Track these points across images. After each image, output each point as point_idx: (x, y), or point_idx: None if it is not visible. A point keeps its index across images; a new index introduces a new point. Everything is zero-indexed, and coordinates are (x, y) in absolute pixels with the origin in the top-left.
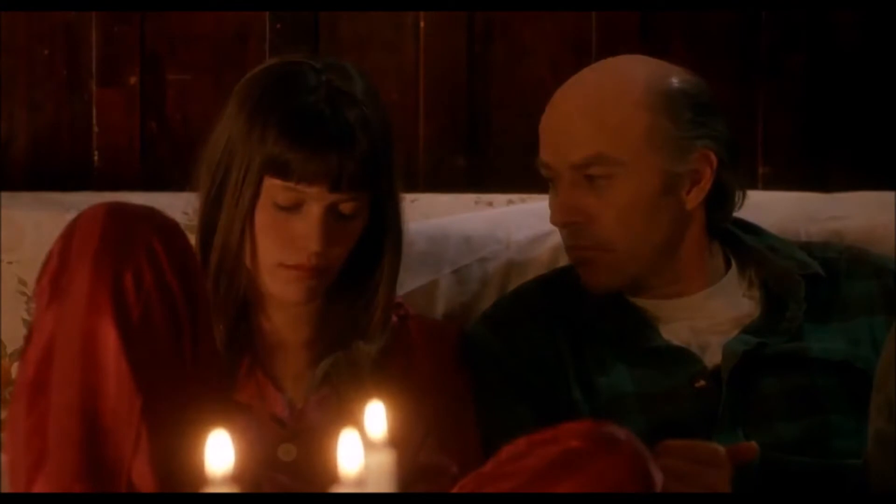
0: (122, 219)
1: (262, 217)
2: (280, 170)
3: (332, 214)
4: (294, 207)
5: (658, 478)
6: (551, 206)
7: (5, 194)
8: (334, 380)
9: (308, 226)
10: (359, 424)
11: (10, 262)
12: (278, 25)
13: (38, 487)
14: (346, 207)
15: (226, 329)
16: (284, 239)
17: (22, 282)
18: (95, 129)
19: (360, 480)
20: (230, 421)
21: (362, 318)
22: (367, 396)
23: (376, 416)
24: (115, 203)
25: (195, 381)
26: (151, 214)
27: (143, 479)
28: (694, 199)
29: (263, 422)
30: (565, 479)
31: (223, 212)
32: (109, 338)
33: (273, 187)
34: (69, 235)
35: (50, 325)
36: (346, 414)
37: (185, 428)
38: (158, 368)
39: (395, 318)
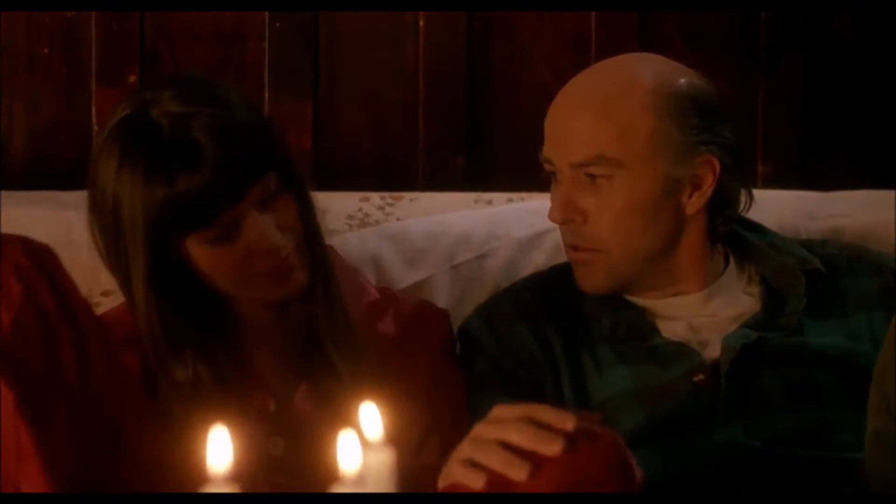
0: None
1: (207, 258)
2: (197, 219)
3: (264, 209)
4: (230, 233)
5: (638, 469)
6: (551, 202)
7: (4, 193)
8: (311, 368)
9: (253, 235)
10: (354, 420)
11: None
12: (278, 25)
13: None
14: (266, 192)
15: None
16: (242, 258)
17: None
18: (95, 128)
19: (359, 479)
20: (218, 418)
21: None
22: (347, 384)
23: (370, 414)
24: None
25: (90, 394)
26: (20, 238)
27: (33, 483)
28: (694, 204)
29: (250, 416)
30: (546, 468)
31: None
32: None
33: (200, 235)
34: None
35: None
36: (332, 404)
37: (93, 438)
38: (35, 374)
39: (377, 295)
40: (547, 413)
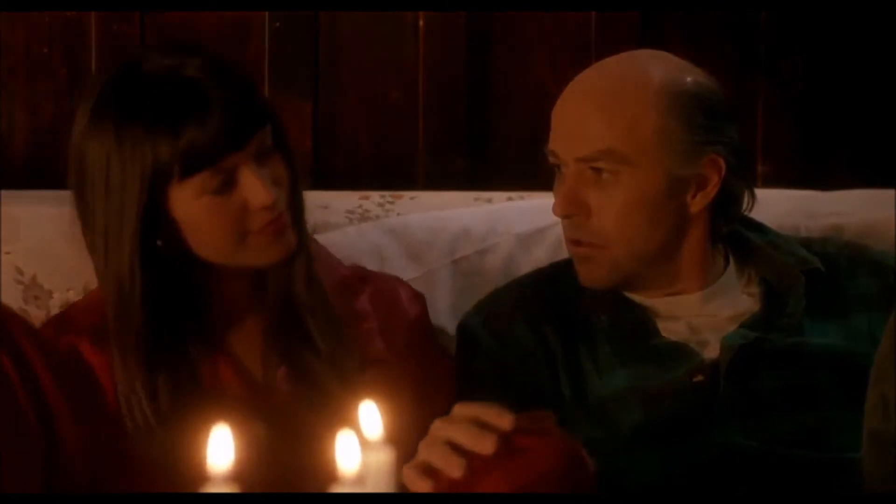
0: None
1: (204, 212)
2: (202, 161)
3: (259, 163)
4: (228, 183)
5: (592, 465)
6: (555, 195)
7: (4, 192)
8: (291, 350)
9: (252, 187)
10: (350, 417)
11: (7, 253)
12: (277, 25)
13: None
14: (263, 146)
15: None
16: (237, 214)
17: (19, 271)
18: None
19: (358, 479)
20: (202, 410)
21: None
22: (327, 365)
23: (369, 413)
24: None
25: (61, 448)
26: None
27: None
28: (698, 203)
29: (230, 404)
30: (491, 468)
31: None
32: None
33: (199, 182)
34: None
35: None
36: (313, 387)
37: (73, 482)
38: None
39: (347, 272)
40: (488, 412)
